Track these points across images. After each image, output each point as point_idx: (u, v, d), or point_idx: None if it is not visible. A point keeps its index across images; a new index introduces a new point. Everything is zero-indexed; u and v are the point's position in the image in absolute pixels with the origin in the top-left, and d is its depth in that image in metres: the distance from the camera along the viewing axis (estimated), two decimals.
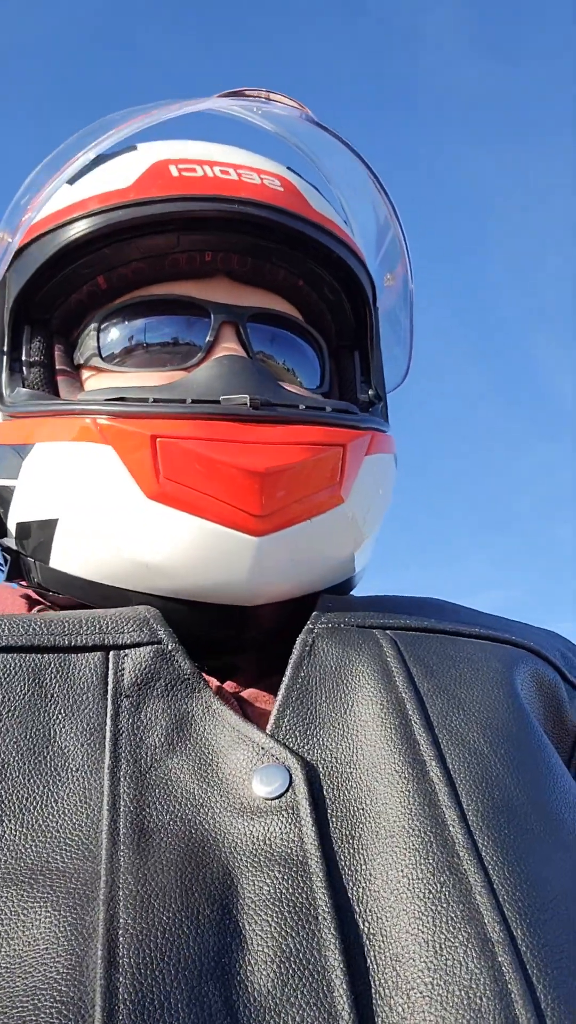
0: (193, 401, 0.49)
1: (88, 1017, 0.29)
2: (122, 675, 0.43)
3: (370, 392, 0.65)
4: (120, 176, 0.55)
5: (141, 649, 0.44)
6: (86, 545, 0.50)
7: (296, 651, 0.46)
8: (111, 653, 0.44)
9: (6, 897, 0.33)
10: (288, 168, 0.62)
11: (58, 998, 0.30)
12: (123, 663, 0.43)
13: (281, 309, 0.60)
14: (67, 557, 0.51)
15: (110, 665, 0.43)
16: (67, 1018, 0.29)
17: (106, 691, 0.42)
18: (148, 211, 0.53)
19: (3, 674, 0.42)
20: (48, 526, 0.51)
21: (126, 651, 0.44)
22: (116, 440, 0.48)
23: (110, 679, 0.42)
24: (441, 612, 0.54)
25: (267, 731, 0.41)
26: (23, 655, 0.43)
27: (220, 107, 0.62)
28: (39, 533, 0.52)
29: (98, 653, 0.44)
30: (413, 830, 0.37)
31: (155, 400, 0.49)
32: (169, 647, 0.44)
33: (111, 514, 0.48)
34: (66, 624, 0.45)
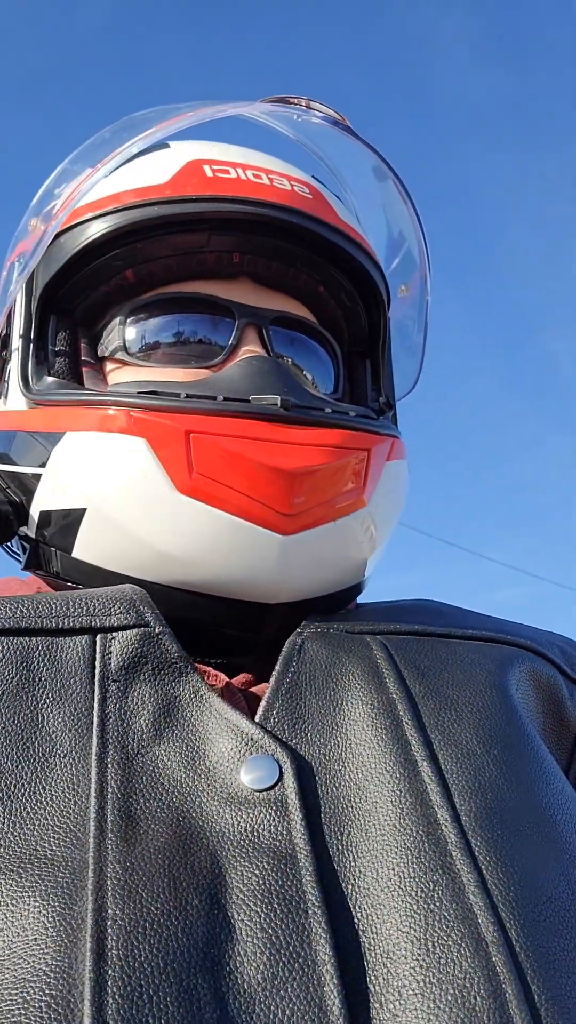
0: (225, 399, 0.50)
1: (77, 1011, 0.29)
2: (109, 658, 0.43)
3: (381, 400, 0.66)
4: (155, 172, 0.56)
5: (128, 632, 0.44)
6: (113, 535, 0.50)
7: (285, 649, 0.47)
8: (98, 636, 0.44)
9: None
10: (313, 176, 0.63)
11: (47, 991, 0.30)
12: (110, 646, 0.43)
13: (301, 314, 0.61)
14: (92, 547, 0.51)
15: (97, 648, 0.43)
16: (56, 1011, 0.29)
17: (93, 675, 0.42)
18: (183, 209, 0.54)
19: None
20: (75, 515, 0.51)
21: (113, 634, 0.44)
22: (150, 433, 0.48)
23: (97, 663, 0.43)
24: (433, 615, 0.55)
25: (256, 721, 0.41)
26: (10, 638, 0.43)
27: (259, 112, 0.63)
28: (64, 522, 0.52)
29: (86, 636, 0.44)
30: (405, 829, 0.37)
31: (187, 396, 0.50)
32: (156, 630, 0.44)
33: (141, 506, 0.48)
34: (54, 606, 0.45)
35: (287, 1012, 0.30)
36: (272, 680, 0.44)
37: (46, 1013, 0.29)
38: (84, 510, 0.51)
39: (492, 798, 0.40)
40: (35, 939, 0.31)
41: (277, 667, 0.45)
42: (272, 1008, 0.31)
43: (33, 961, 0.31)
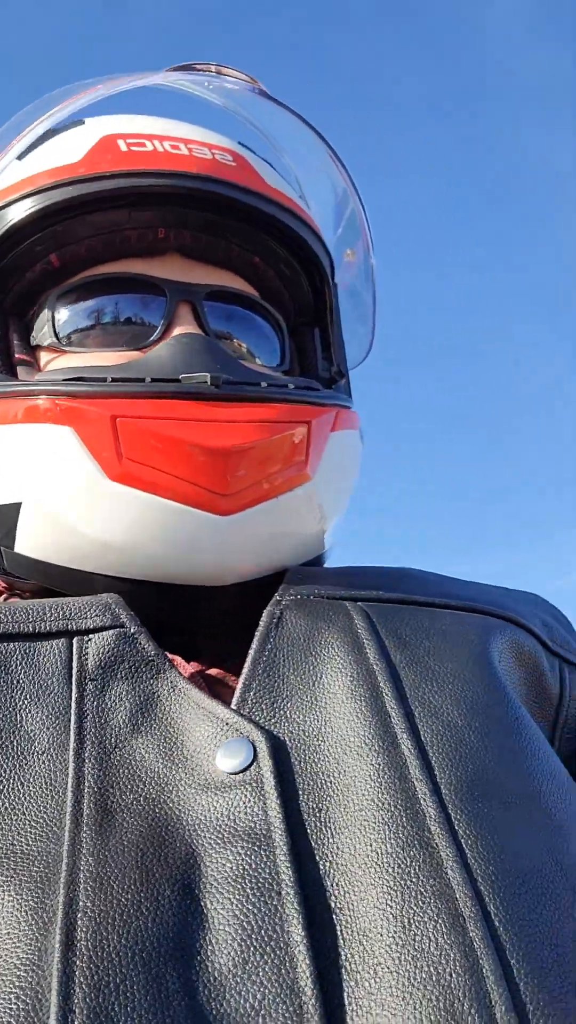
0: (152, 380, 0.48)
1: (45, 1001, 0.29)
2: (86, 659, 0.43)
3: (332, 369, 0.64)
4: (69, 151, 0.54)
5: (104, 633, 0.44)
6: (50, 528, 0.49)
7: (263, 623, 0.46)
8: (75, 639, 0.44)
9: None
10: (239, 143, 0.61)
11: (17, 984, 0.30)
12: (87, 648, 0.43)
13: (237, 287, 0.59)
14: (32, 542, 0.50)
15: (74, 650, 0.43)
16: (24, 1003, 0.29)
17: (71, 676, 0.42)
18: (97, 187, 0.52)
19: None
20: (11, 510, 0.50)
21: (90, 636, 0.44)
22: (75, 421, 0.47)
23: (74, 664, 0.42)
24: (415, 582, 0.53)
25: (232, 705, 0.41)
26: None
27: (170, 82, 0.61)
28: (3, 518, 0.51)
29: (62, 639, 0.44)
30: (383, 804, 0.36)
31: (113, 379, 0.48)
32: (132, 630, 0.44)
33: (73, 496, 0.47)
34: (30, 612, 0.45)
35: (258, 996, 0.30)
36: (248, 660, 0.44)
37: (15, 1004, 0.29)
38: (20, 504, 0.49)
39: (473, 770, 0.39)
40: (7, 933, 0.31)
41: (254, 644, 0.44)
42: (243, 993, 0.30)
43: (5, 955, 0.31)
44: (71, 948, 0.30)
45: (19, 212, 0.53)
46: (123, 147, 0.54)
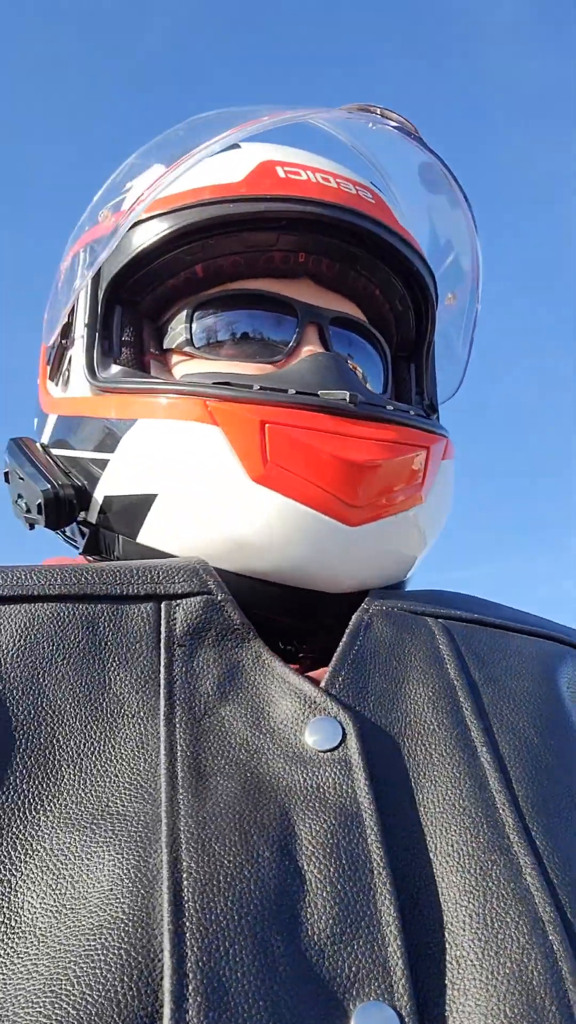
0: (296, 392, 0.51)
1: (157, 961, 0.29)
2: (174, 624, 0.44)
3: (424, 403, 0.68)
4: (229, 171, 0.57)
5: (192, 599, 0.45)
6: (183, 521, 0.51)
7: (352, 624, 0.47)
8: (163, 603, 0.45)
9: (68, 842, 0.34)
10: (371, 182, 0.65)
11: (125, 938, 0.30)
12: (175, 613, 0.44)
13: (356, 315, 0.63)
14: (158, 532, 0.52)
15: (162, 615, 0.44)
16: (135, 959, 0.29)
17: (159, 640, 0.43)
18: (259, 207, 0.55)
19: (57, 622, 0.42)
20: (143, 501, 0.52)
21: (178, 601, 0.45)
22: (226, 422, 0.49)
23: (162, 628, 0.43)
24: (483, 606, 0.56)
25: (320, 687, 0.42)
26: (76, 604, 0.44)
27: (324, 118, 0.65)
28: (131, 507, 0.53)
29: (150, 603, 0.45)
30: (464, 809, 0.38)
31: (261, 388, 0.51)
32: (219, 597, 0.45)
33: (214, 492, 0.49)
34: (118, 574, 0.46)
35: (353, 969, 0.31)
36: (339, 650, 0.45)
37: (125, 960, 0.29)
38: (155, 496, 0.51)
39: (549, 787, 0.41)
40: (111, 889, 0.32)
41: (344, 639, 0.46)
42: (339, 963, 0.31)
43: (110, 909, 0.31)
44: (180, 909, 0.31)
45: (179, 221, 0.56)
46: (281, 173, 0.57)
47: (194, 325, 0.58)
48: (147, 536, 0.53)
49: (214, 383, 0.51)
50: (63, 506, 0.56)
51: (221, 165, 0.58)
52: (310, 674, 0.49)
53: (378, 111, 0.57)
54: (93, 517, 0.56)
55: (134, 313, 0.60)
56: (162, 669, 0.41)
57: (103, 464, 0.54)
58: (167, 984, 0.29)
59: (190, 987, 0.29)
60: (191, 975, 0.29)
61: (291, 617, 0.53)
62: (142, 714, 0.39)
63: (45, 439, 0.63)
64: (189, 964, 0.29)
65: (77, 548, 0.60)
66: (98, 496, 0.55)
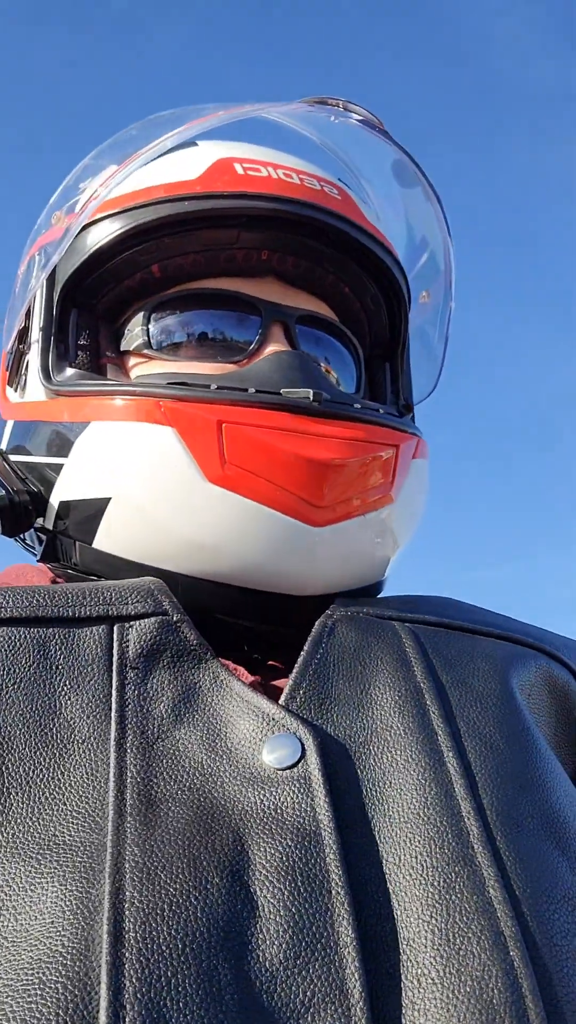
0: (256, 391, 0.49)
1: (94, 994, 0.28)
2: (127, 647, 0.43)
3: (400, 403, 0.66)
4: (184, 169, 0.56)
5: (146, 620, 0.44)
6: (138, 525, 0.49)
7: (315, 631, 0.46)
8: (116, 625, 0.44)
9: (14, 872, 0.33)
10: (339, 179, 0.63)
11: (64, 972, 0.29)
12: (128, 635, 0.43)
13: (325, 313, 0.61)
14: (114, 537, 0.51)
15: (115, 637, 0.43)
16: (72, 993, 0.28)
17: (111, 663, 0.42)
18: (215, 204, 0.54)
19: (8, 646, 0.42)
20: (98, 505, 0.50)
21: (131, 623, 0.44)
22: (180, 423, 0.47)
23: (115, 651, 0.42)
24: (454, 609, 0.54)
25: (280, 703, 0.41)
26: (28, 628, 0.43)
27: (284, 112, 0.63)
28: (86, 512, 0.51)
29: (103, 625, 0.44)
30: (428, 819, 0.37)
31: (219, 387, 0.49)
32: (174, 618, 0.44)
33: (168, 495, 0.48)
34: (70, 596, 0.45)
35: (307, 994, 0.30)
36: (300, 660, 0.44)
37: (62, 994, 0.28)
38: (108, 499, 0.50)
39: (514, 793, 0.40)
40: (52, 922, 0.31)
41: (306, 647, 0.45)
42: (293, 989, 0.30)
43: (50, 943, 0.30)
44: (120, 940, 0.30)
45: (131, 221, 0.54)
46: (239, 170, 0.55)
47: (152, 326, 0.56)
48: (103, 541, 0.51)
49: (169, 383, 0.50)
50: (19, 513, 0.55)
51: (177, 163, 0.56)
52: (278, 682, 0.47)
53: (340, 104, 0.55)
54: (50, 523, 0.55)
55: (91, 316, 0.58)
56: (114, 693, 0.40)
57: (58, 468, 0.53)
58: (102, 1017, 0.28)
59: (126, 1019, 0.28)
60: (128, 1007, 0.28)
61: (256, 621, 0.51)
62: (93, 740, 0.38)
63: (3, 445, 0.62)
64: (127, 996, 0.29)
65: (35, 555, 0.59)
66: (54, 501, 0.54)
